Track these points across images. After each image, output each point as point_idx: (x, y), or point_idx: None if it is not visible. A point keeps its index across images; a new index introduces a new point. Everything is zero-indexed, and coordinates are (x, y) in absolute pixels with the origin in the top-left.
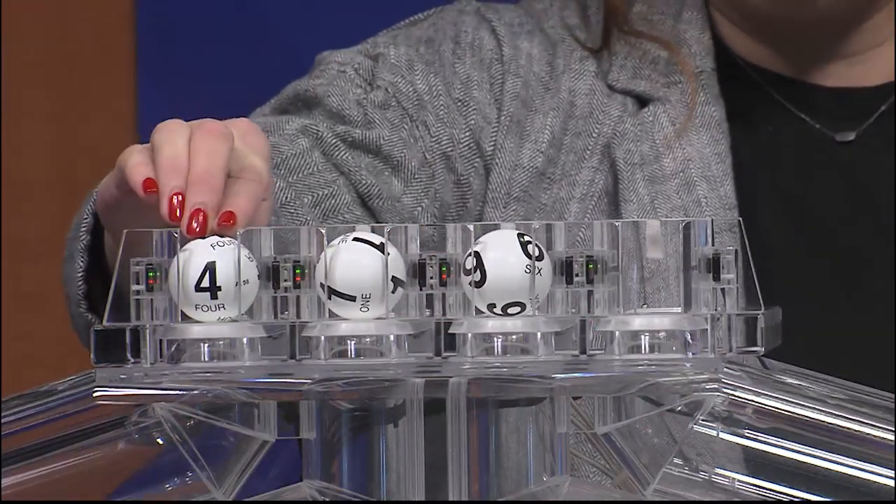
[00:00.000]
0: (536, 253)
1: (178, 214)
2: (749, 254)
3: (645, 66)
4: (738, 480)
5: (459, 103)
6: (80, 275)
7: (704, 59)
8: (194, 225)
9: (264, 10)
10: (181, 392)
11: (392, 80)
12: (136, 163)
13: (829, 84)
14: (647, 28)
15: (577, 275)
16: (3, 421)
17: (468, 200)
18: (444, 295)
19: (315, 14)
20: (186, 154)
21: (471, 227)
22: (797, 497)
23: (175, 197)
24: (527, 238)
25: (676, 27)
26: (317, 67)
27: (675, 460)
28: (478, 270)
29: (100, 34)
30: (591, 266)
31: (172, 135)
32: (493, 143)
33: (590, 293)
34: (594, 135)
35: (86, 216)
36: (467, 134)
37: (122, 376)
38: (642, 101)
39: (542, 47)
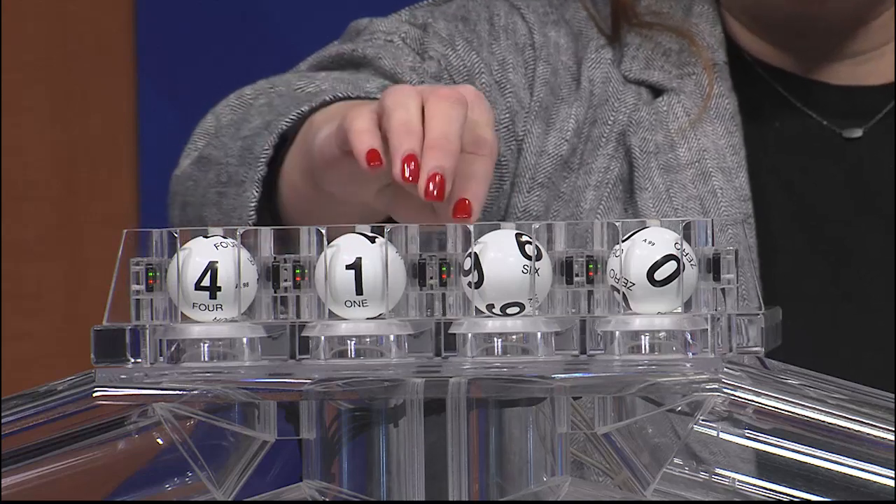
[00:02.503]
0: (535, 253)
1: (409, 177)
2: (750, 250)
3: (657, 57)
4: (738, 480)
5: (497, 84)
6: (252, 204)
7: (717, 52)
8: (431, 188)
9: (264, 10)
10: (181, 392)
11: (443, 52)
12: (360, 129)
13: (836, 82)
14: (656, 20)
15: (577, 275)
16: (3, 421)
17: (505, 182)
18: (444, 295)
19: (315, 14)
20: (419, 119)
21: (471, 227)
22: (797, 497)
23: (408, 160)
24: (525, 238)
25: (687, 20)
26: (357, 34)
27: (676, 460)
28: (476, 271)
29: (100, 34)
30: (591, 266)
31: (405, 98)
32: (524, 128)
33: (590, 293)
34: (610, 122)
35: (267, 147)
36: (506, 115)
37: (122, 376)
38: (656, 91)
39: (567, 38)
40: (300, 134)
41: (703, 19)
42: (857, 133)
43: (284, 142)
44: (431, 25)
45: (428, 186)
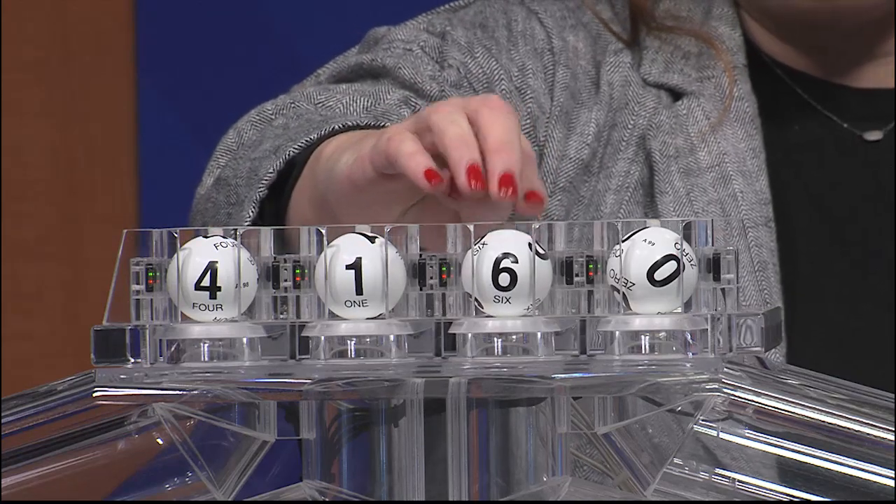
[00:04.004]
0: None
1: (475, 186)
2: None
3: (677, 60)
4: (738, 480)
5: (518, 90)
6: (246, 223)
7: (736, 55)
8: (502, 193)
9: (264, 9)
10: (181, 392)
11: (462, 60)
12: (410, 152)
13: (856, 85)
14: (675, 24)
15: (577, 275)
16: (3, 421)
17: None
18: (444, 295)
19: (315, 14)
20: (472, 132)
21: (471, 227)
22: (797, 497)
23: (472, 170)
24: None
25: (707, 23)
26: (376, 43)
27: (676, 460)
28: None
29: (100, 34)
30: (591, 266)
31: (453, 115)
32: (545, 133)
33: (590, 293)
34: (630, 126)
35: (271, 171)
36: (527, 121)
37: (122, 376)
38: (676, 95)
39: (586, 42)
40: (309, 164)
41: (722, 22)
42: (877, 136)
43: (293, 167)
44: (450, 33)
45: (499, 188)
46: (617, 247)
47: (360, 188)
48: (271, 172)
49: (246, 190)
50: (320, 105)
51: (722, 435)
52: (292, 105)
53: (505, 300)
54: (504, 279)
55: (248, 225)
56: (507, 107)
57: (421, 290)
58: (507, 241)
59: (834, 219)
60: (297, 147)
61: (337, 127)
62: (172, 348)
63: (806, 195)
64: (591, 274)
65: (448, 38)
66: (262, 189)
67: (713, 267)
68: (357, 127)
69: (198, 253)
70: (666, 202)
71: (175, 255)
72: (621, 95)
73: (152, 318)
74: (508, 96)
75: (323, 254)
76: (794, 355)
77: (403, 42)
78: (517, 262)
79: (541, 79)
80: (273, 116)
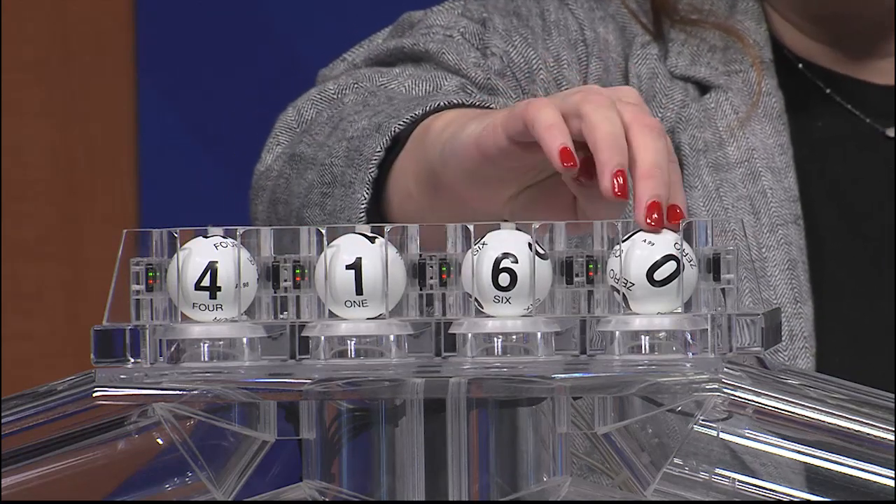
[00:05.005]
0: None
1: (618, 192)
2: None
3: (703, 53)
4: (738, 480)
5: (555, 81)
6: (363, 206)
7: (763, 50)
8: (650, 221)
9: (264, 10)
10: (181, 392)
11: (504, 49)
12: (550, 124)
13: (880, 81)
14: (700, 17)
15: (577, 275)
16: (3, 421)
17: None
18: (444, 295)
19: (315, 14)
20: (624, 135)
21: (471, 227)
22: (797, 497)
23: (619, 175)
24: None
25: (732, 17)
26: (411, 27)
27: (676, 460)
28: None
29: (100, 34)
30: (591, 266)
31: (608, 111)
32: None
33: (590, 293)
34: (658, 119)
35: (378, 150)
36: None
37: (122, 376)
38: (703, 88)
39: (615, 34)
40: (415, 139)
41: (747, 16)
42: None
43: (395, 144)
44: (489, 20)
45: (648, 216)
46: (617, 247)
47: (488, 157)
48: (379, 152)
49: (349, 170)
50: (382, 87)
51: (722, 435)
52: (355, 84)
53: (505, 300)
54: (504, 279)
55: (364, 206)
56: (659, 126)
57: (421, 290)
58: (507, 241)
59: (855, 215)
60: (402, 123)
61: (443, 104)
62: (172, 348)
63: (830, 191)
64: (591, 274)
65: (489, 26)
66: (371, 170)
67: (713, 267)
68: (462, 105)
69: (198, 253)
70: (695, 197)
71: (175, 255)
72: (649, 88)
73: (152, 318)
74: (547, 87)
75: (323, 254)
76: (824, 356)
77: (443, 28)
78: (517, 262)
79: (575, 70)
80: (336, 96)
